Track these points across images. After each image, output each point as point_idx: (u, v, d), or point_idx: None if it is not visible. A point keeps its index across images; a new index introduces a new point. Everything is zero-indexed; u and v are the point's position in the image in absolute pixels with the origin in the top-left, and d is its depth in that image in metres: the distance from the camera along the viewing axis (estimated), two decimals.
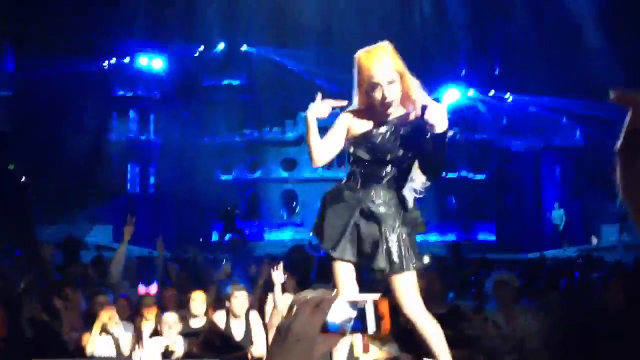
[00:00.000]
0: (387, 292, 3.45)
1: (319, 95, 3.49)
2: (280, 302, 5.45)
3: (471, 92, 26.10)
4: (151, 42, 26.29)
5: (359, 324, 1.23)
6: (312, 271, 6.68)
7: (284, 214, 26.00)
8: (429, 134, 3.22)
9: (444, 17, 27.04)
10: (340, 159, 3.82)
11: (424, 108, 3.17)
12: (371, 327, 1.24)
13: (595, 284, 7.96)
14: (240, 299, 5.49)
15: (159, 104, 27.06)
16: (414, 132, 3.39)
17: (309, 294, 1.23)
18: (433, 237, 21.64)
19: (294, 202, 25.66)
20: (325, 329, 1.21)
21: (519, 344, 4.97)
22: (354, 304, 1.23)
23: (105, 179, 24.23)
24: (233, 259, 10.33)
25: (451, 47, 26.86)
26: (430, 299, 3.89)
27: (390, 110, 3.45)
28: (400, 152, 3.43)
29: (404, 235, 3.41)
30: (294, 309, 1.20)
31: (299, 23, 26.09)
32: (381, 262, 3.37)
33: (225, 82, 28.06)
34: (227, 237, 22.10)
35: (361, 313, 1.22)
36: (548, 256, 16.22)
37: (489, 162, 25.50)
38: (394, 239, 3.38)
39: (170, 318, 5.57)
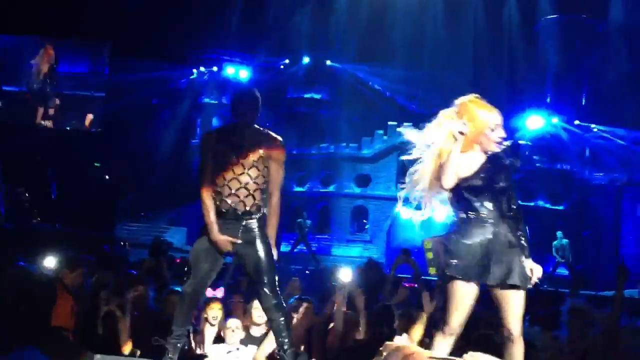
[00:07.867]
0: (497, 308, 4.01)
1: None
2: (340, 320, 5.46)
3: (555, 120, 25.49)
4: (239, 52, 26.94)
5: None
6: (382, 290, 6.63)
7: (353, 229, 25.94)
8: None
9: (534, 41, 26.59)
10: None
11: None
12: None
13: None
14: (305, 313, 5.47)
15: None
16: (502, 164, 4.06)
17: (400, 342, 1.12)
18: None
19: (364, 219, 25.64)
20: None
21: None
22: None
23: (185, 183, 24.83)
24: (302, 273, 10.29)
25: (539, 72, 26.39)
26: None
27: (492, 148, 4.04)
28: (500, 180, 4.02)
29: (523, 257, 4.01)
30: (384, 355, 1.12)
31: (388, 41, 26.23)
32: (517, 279, 3.91)
33: (308, 95, 28.41)
34: (297, 249, 22.22)
35: None
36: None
37: (568, 193, 24.79)
38: (523, 260, 3.98)
39: (234, 323, 5.55)
